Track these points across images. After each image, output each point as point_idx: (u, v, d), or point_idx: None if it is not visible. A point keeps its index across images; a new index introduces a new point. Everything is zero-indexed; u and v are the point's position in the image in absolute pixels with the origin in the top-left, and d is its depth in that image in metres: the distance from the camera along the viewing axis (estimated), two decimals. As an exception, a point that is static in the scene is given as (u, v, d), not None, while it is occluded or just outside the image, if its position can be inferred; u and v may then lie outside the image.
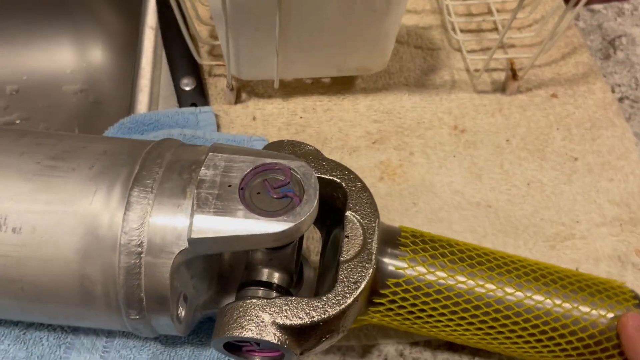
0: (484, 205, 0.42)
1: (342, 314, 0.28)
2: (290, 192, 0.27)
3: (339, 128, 0.46)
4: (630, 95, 0.48)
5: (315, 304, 0.28)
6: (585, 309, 0.31)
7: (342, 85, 0.48)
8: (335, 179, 0.31)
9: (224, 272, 0.33)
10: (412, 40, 0.50)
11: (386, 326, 0.33)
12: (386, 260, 0.31)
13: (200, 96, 0.46)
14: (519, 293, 0.31)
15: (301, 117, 0.46)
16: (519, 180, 0.44)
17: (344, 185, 0.31)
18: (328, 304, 0.28)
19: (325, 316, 0.27)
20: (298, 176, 0.28)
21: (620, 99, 0.48)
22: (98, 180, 0.27)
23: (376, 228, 0.30)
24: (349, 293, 0.28)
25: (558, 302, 0.31)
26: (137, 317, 0.28)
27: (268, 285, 0.30)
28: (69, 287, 0.27)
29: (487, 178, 0.44)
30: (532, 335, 0.31)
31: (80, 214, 0.27)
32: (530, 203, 0.42)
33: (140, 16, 0.52)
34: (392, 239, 0.32)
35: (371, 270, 0.29)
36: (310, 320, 0.27)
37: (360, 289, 0.28)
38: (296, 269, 0.32)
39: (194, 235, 0.25)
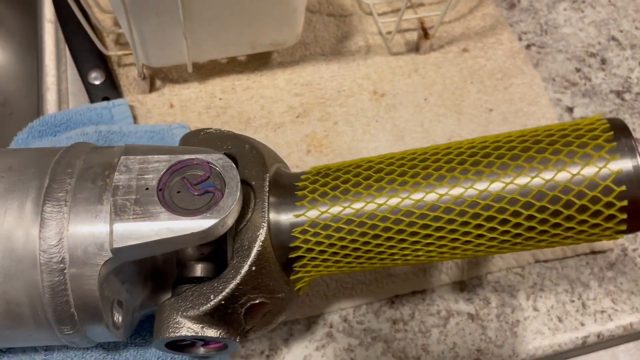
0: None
1: (244, 284, 0.27)
2: (212, 187, 0.27)
3: (260, 106, 0.46)
4: (536, 42, 0.50)
5: (214, 284, 0.27)
6: (532, 172, 0.26)
7: (259, 61, 0.47)
8: (228, 152, 0.30)
9: (158, 268, 0.33)
10: (324, 8, 0.50)
11: (330, 274, 0.32)
12: (284, 212, 0.29)
13: (111, 89, 0.44)
14: (440, 187, 0.27)
15: (220, 99, 0.45)
16: (439, 136, 0.45)
17: (233, 153, 0.30)
18: (224, 281, 0.27)
19: (224, 294, 0.27)
20: (217, 169, 0.28)
21: (527, 46, 0.50)
22: (6, 199, 0.26)
23: (264, 184, 0.29)
24: (242, 262, 0.27)
25: (493, 177, 0.26)
26: (71, 331, 0.27)
27: (202, 280, 0.30)
28: (-6, 313, 0.26)
29: (410, 138, 0.45)
30: (479, 226, 0.27)
31: (-8, 238, 0.26)
32: (453, 158, 0.44)
33: (37, 10, 0.49)
34: (290, 187, 0.30)
35: (262, 230, 0.28)
36: (211, 302, 0.27)
37: (252, 255, 0.27)
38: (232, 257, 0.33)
39: (116, 245, 0.25)
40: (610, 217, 0.26)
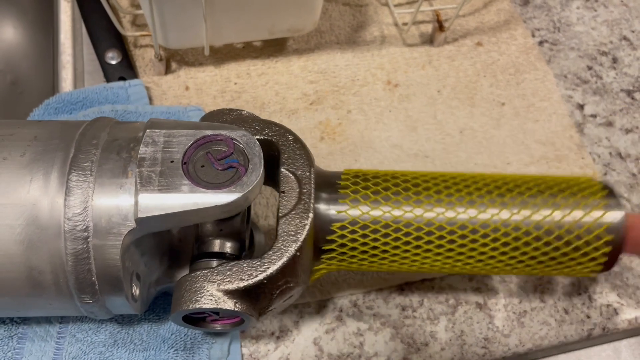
0: (422, 156, 0.44)
1: (285, 268, 0.28)
2: (235, 163, 0.27)
3: (275, 92, 0.46)
4: (549, 39, 0.51)
5: (257, 263, 0.28)
6: (545, 211, 0.31)
7: (274, 47, 0.48)
8: (267, 138, 0.31)
9: (174, 246, 0.33)
10: (340, -3, 0.50)
11: (348, 270, 0.34)
12: (327, 206, 0.31)
13: (127, 69, 0.44)
14: (471, 210, 0.31)
15: (236, 84, 0.46)
16: (452, 128, 0.45)
17: (274, 141, 0.31)
18: (269, 261, 0.28)
19: (268, 273, 0.28)
20: (241, 145, 0.28)
21: (540, 43, 0.50)
22: (32, 168, 0.26)
23: (311, 176, 0.30)
24: (288, 246, 0.28)
25: (515, 210, 0.31)
26: (91, 301, 0.27)
27: (221, 255, 0.30)
28: (16, 280, 0.27)
29: (423, 129, 0.45)
30: (495, 249, 0.31)
31: (18, 205, 0.26)
32: (464, 150, 0.44)
33: (53, -12, 0.49)
34: (332, 184, 0.32)
35: (309, 220, 0.29)
36: (253, 280, 0.28)
37: (299, 241, 0.29)
38: (248, 236, 0.33)
39: (141, 215, 0.25)
40: (594, 259, 0.32)
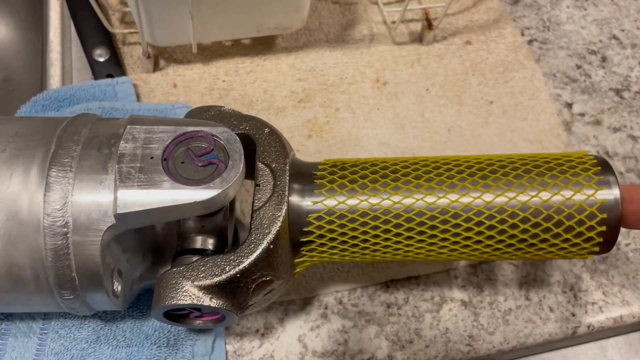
0: (409, 154, 0.44)
1: (259, 261, 0.28)
2: (215, 159, 0.28)
3: (263, 89, 0.46)
4: (538, 38, 0.51)
5: (230, 257, 0.28)
6: (532, 192, 0.29)
7: (263, 45, 0.48)
8: (244, 132, 0.31)
9: (158, 242, 0.33)
10: (329, -5, 0.50)
11: (331, 262, 0.33)
12: (302, 197, 0.30)
13: (115, 66, 0.44)
14: (452, 194, 0.30)
15: (224, 81, 0.46)
16: (439, 126, 0.45)
17: (251, 134, 0.31)
18: (242, 255, 0.28)
19: (241, 267, 0.28)
20: (222, 142, 0.28)
21: (530, 42, 0.50)
22: (12, 163, 0.26)
23: (286, 168, 0.30)
24: (261, 239, 0.28)
25: (499, 192, 0.30)
26: (72, 296, 0.27)
27: (202, 252, 0.30)
28: (-5, 275, 0.27)
29: (410, 127, 0.45)
30: (480, 233, 0.30)
31: (-3, 200, 0.26)
32: (451, 147, 0.45)
33: (43, -14, 0.49)
34: (308, 175, 0.31)
35: (283, 212, 0.29)
36: (227, 274, 0.28)
37: (272, 233, 0.28)
38: (231, 233, 0.33)
39: (119, 211, 0.25)
40: (589, 239, 0.30)
